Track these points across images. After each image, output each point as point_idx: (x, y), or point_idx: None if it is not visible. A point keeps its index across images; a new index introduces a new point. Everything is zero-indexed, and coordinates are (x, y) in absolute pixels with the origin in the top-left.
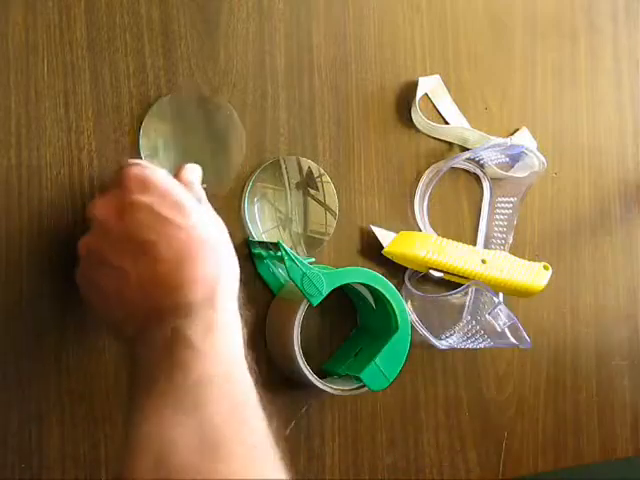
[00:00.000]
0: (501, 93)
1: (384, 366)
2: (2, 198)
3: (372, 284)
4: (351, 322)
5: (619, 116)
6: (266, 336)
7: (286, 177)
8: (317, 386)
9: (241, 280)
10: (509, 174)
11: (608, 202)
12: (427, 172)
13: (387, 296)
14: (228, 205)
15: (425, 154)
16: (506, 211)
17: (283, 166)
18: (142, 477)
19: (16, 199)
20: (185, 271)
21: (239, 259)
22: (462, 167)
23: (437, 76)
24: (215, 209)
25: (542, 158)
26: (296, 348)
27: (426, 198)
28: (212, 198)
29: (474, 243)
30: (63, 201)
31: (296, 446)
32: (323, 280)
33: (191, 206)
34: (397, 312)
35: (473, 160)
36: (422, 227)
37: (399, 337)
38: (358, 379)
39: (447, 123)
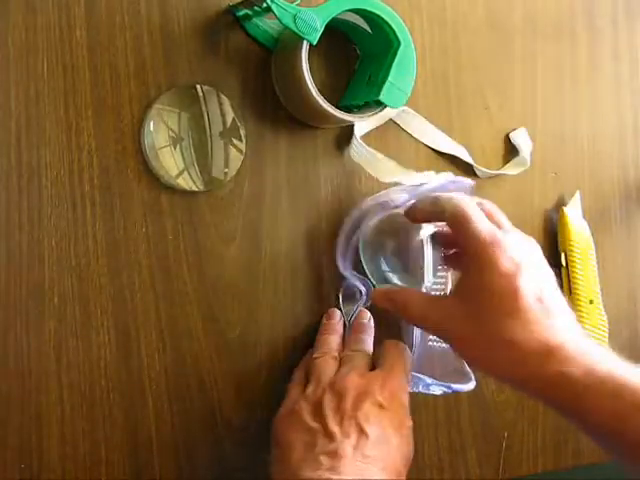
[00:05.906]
0: (501, 93)
1: (398, 82)
2: (2, 198)
3: (363, 7)
4: (351, 63)
5: (619, 116)
6: (280, 97)
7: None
8: (337, 117)
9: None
10: (500, 172)
11: (608, 202)
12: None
13: (382, 15)
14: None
15: None
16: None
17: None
18: None
19: (16, 199)
20: None
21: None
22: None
23: (405, 108)
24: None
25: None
26: (309, 82)
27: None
28: (212, 196)
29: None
30: (63, 201)
31: None
32: (315, 16)
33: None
34: (395, 28)
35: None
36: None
37: (403, 51)
38: (378, 103)
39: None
